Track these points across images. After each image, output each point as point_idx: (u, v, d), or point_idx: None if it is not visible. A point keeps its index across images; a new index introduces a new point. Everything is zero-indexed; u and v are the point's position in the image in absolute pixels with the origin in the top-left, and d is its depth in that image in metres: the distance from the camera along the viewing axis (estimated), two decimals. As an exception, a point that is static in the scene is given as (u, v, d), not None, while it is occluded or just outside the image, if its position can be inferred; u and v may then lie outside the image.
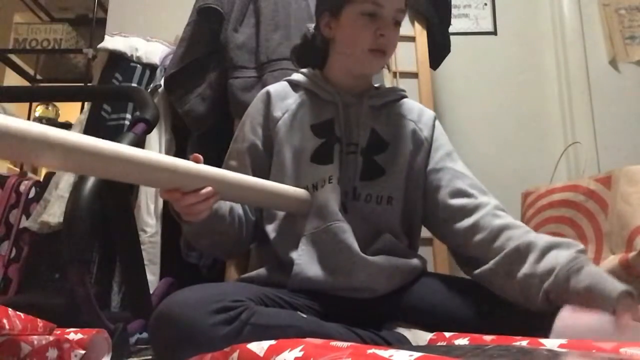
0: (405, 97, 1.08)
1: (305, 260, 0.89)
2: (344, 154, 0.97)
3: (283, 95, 1.03)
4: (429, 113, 1.08)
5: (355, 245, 0.88)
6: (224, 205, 0.89)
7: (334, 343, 0.48)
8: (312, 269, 0.88)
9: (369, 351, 0.43)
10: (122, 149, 0.65)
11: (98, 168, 0.66)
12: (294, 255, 0.90)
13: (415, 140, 1.02)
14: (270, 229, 0.96)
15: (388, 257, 0.91)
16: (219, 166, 1.04)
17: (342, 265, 0.88)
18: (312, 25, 1.08)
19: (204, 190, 0.75)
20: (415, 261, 0.94)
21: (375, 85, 1.08)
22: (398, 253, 0.93)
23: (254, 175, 0.93)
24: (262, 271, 0.94)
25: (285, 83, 1.06)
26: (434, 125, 1.06)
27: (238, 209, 0.95)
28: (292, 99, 1.02)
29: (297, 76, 1.06)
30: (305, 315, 0.81)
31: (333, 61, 1.04)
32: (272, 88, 1.05)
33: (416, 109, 1.07)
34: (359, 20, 0.95)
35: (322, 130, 0.98)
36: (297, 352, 0.47)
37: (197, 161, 0.76)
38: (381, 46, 0.96)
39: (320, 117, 0.99)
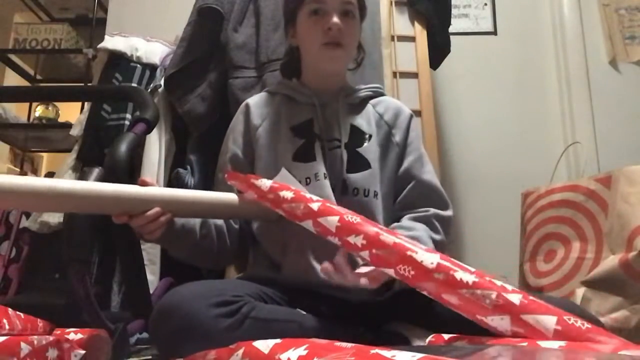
0: (383, 94, 1.11)
1: (295, 253, 0.90)
2: (326, 150, 0.98)
3: (261, 104, 1.07)
4: (405, 113, 1.09)
5: None
6: (191, 220, 0.90)
7: (338, 343, 0.49)
8: (301, 262, 0.90)
9: (372, 351, 0.43)
10: (60, 184, 0.67)
11: (39, 205, 0.70)
12: (284, 249, 0.91)
13: (388, 143, 1.04)
14: (256, 227, 0.98)
15: None
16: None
17: (330, 256, 0.88)
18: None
19: (150, 212, 0.77)
20: None
21: (356, 87, 1.10)
22: None
23: None
24: (257, 271, 0.95)
25: (264, 93, 1.11)
26: (408, 128, 1.07)
27: (214, 219, 0.96)
28: (271, 106, 1.06)
29: (273, 86, 1.11)
30: (304, 313, 0.82)
31: (304, 66, 1.09)
32: (251, 100, 1.10)
33: (392, 109, 1.09)
34: (309, 20, 1.01)
35: (302, 130, 1.00)
36: (302, 350, 0.47)
37: (143, 184, 0.78)
38: (333, 38, 0.99)
39: (299, 118, 1.02)
